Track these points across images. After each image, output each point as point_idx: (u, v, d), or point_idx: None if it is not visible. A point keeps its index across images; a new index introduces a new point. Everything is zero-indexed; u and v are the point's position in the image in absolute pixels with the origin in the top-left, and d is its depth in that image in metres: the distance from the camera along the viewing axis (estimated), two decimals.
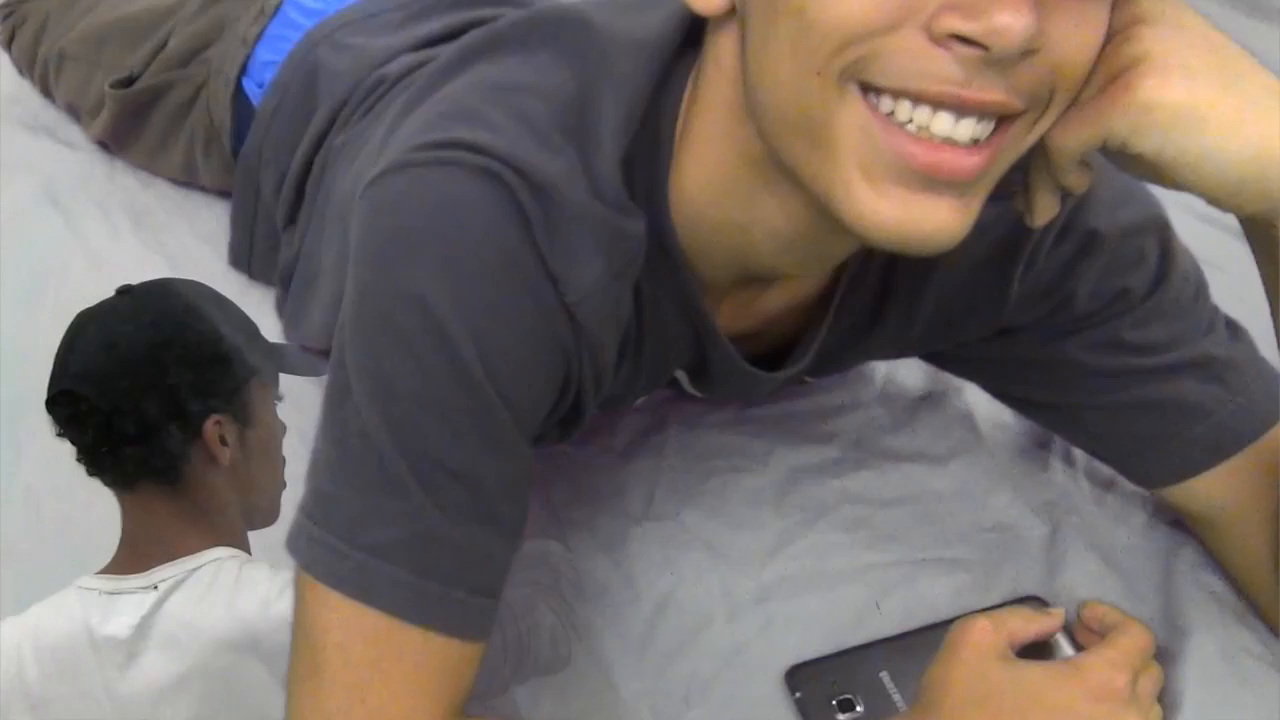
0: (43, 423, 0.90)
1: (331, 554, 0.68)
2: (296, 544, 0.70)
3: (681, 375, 0.89)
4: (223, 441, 0.91)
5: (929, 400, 1.07)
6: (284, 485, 1.00)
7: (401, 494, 0.67)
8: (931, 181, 0.58)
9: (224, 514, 0.93)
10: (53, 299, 1.27)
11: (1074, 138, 0.62)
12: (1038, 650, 0.80)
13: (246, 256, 1.26)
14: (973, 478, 1.00)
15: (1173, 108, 0.59)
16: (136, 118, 1.37)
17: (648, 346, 0.81)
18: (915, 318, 0.85)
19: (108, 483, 0.91)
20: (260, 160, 1.20)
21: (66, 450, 0.89)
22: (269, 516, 0.99)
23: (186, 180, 1.40)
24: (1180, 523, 0.93)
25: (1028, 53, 0.55)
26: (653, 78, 0.71)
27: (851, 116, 0.58)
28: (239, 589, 0.86)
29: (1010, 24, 0.52)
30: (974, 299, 0.83)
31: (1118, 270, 0.81)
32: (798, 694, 0.84)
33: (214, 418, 0.91)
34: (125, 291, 0.93)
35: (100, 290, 0.93)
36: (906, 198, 0.59)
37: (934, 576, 0.91)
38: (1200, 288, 0.83)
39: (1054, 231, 0.79)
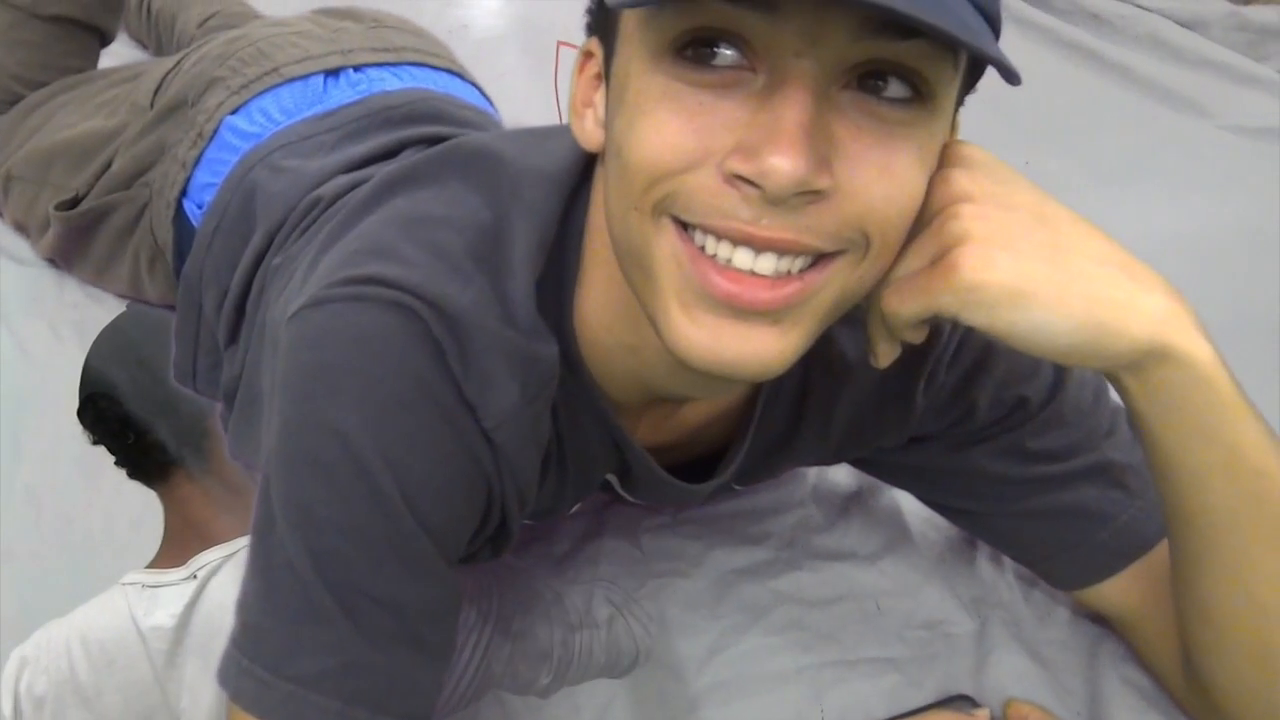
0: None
1: (259, 685, 0.69)
2: (226, 675, 0.71)
3: (613, 479, 0.91)
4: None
5: (859, 498, 1.09)
6: None
7: (327, 623, 0.68)
8: (738, 311, 0.60)
9: None
10: None
11: (906, 308, 0.65)
12: None
13: (191, 372, 1.27)
14: (903, 574, 1.02)
15: (997, 287, 0.62)
16: (82, 237, 1.39)
17: (570, 460, 0.83)
18: (830, 429, 0.87)
19: (145, 479, 0.92)
20: (201, 280, 1.21)
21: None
22: None
23: (134, 295, 1.42)
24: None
25: (810, 194, 0.57)
26: (559, 205, 0.74)
27: (666, 248, 0.61)
28: None
29: (778, 166, 0.55)
30: (883, 411, 0.86)
31: (1014, 381, 0.84)
32: None
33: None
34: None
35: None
36: (716, 325, 0.61)
37: (868, 677, 0.93)
38: (1099, 390, 0.86)
39: (951, 347, 0.82)
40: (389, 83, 1.26)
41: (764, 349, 0.61)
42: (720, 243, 0.59)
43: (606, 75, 0.66)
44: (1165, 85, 1.78)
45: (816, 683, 0.93)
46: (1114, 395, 0.85)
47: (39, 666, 0.86)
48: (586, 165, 0.75)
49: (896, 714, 0.88)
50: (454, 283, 0.70)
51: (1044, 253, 0.63)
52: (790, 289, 0.60)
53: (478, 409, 0.71)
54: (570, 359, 0.76)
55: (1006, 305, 0.63)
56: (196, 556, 0.89)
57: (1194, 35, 1.89)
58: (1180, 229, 1.24)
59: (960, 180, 0.64)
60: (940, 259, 0.63)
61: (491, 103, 1.36)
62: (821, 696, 0.91)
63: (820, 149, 0.56)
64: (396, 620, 0.70)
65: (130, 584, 0.89)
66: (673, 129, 0.58)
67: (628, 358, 0.75)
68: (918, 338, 0.68)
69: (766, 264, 0.59)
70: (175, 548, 0.92)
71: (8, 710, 0.85)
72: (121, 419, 0.91)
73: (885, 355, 0.70)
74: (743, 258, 0.59)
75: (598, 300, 0.74)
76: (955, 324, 0.81)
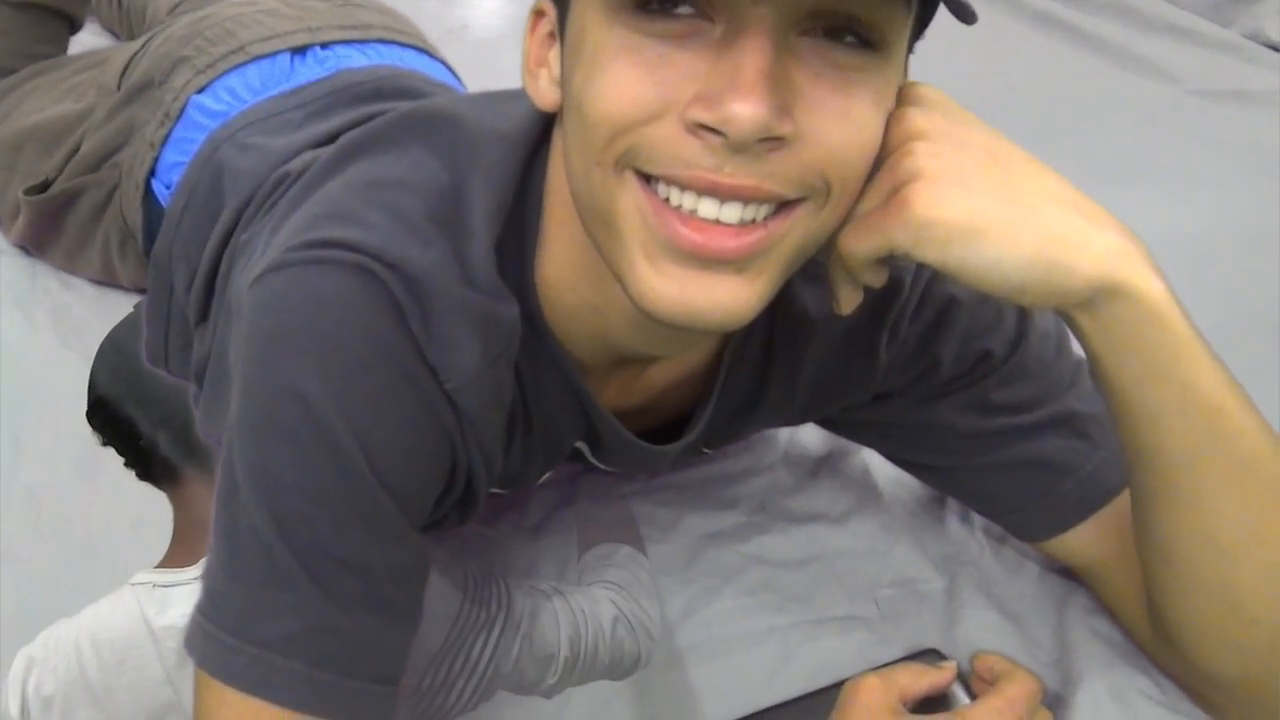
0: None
1: (225, 650, 0.69)
2: (192, 642, 0.71)
3: (583, 447, 0.91)
4: None
5: (829, 461, 1.10)
6: None
7: (291, 587, 0.68)
8: (704, 260, 0.61)
9: None
10: None
11: (861, 245, 0.65)
12: (936, 703, 0.82)
13: (163, 353, 1.27)
14: (873, 534, 1.02)
15: (949, 223, 0.63)
16: (53, 222, 1.39)
17: (537, 425, 0.83)
18: (796, 387, 0.87)
19: (155, 480, 0.92)
20: (171, 259, 1.21)
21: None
22: None
23: (106, 279, 1.42)
24: None
25: (773, 140, 0.58)
26: (518, 166, 0.75)
27: (630, 202, 0.62)
28: None
29: (740, 112, 0.56)
30: (848, 367, 0.86)
31: (978, 334, 0.84)
32: None
33: None
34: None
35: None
36: (682, 276, 0.62)
37: (838, 635, 0.93)
38: (1061, 342, 0.86)
39: (914, 300, 0.83)
40: (356, 60, 1.26)
41: (730, 298, 0.62)
42: (685, 193, 0.60)
43: (561, 33, 0.66)
44: (1132, 51, 1.79)
45: (787, 642, 0.93)
46: (1076, 348, 0.86)
47: (47, 666, 0.86)
48: (545, 126, 0.75)
49: (866, 669, 0.88)
50: (414, 245, 0.71)
51: (997, 189, 0.64)
52: (755, 237, 0.61)
53: (439, 371, 0.71)
54: (533, 320, 0.76)
55: (959, 241, 0.63)
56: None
57: (1159, 1, 1.90)
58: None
59: (915, 118, 0.64)
60: (893, 195, 0.64)
61: (460, 80, 1.36)
62: (791, 656, 0.92)
63: (781, 95, 0.57)
64: (362, 583, 0.70)
65: (140, 584, 0.90)
66: (633, 81, 0.59)
67: (591, 317, 0.75)
68: (877, 280, 0.69)
69: (731, 213, 0.60)
70: (185, 547, 0.92)
71: (15, 711, 0.85)
72: (131, 421, 0.91)
73: (848, 301, 0.71)
74: (707, 207, 0.60)
75: (560, 260, 0.75)
76: (916, 277, 0.83)
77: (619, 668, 0.90)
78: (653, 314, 0.63)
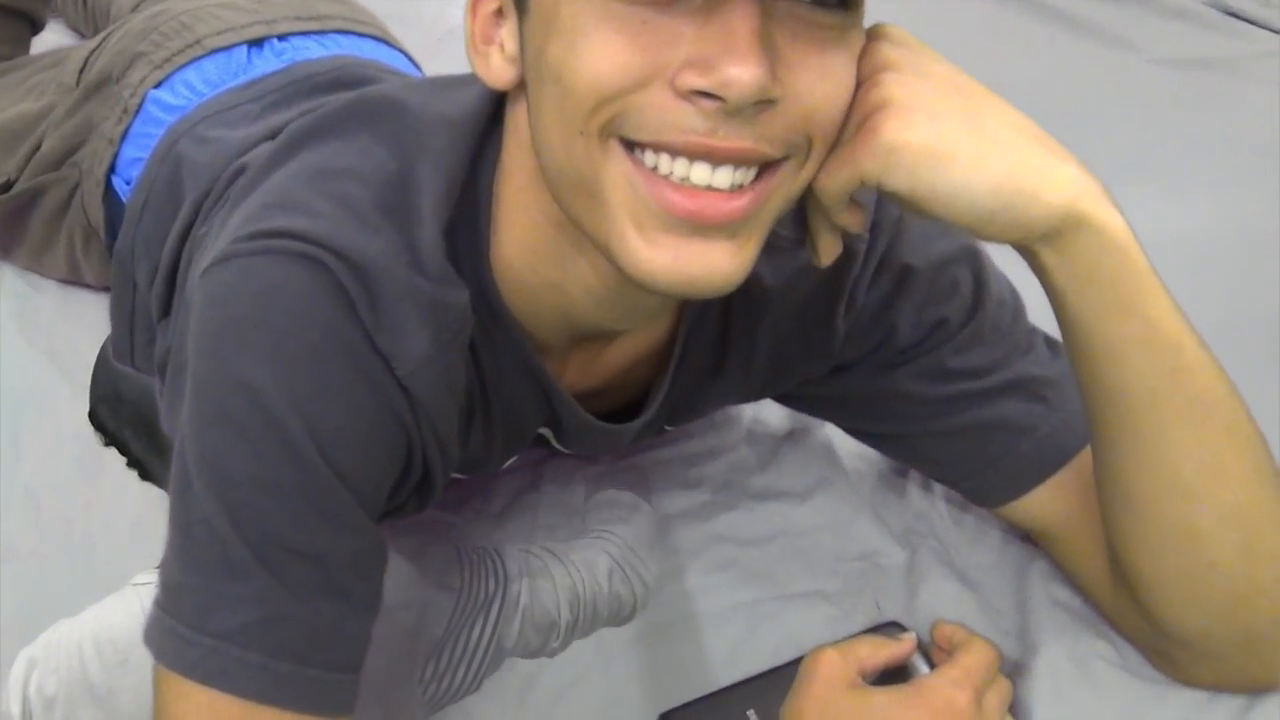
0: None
1: (182, 642, 0.69)
2: (150, 636, 0.71)
3: (548, 433, 0.92)
4: None
5: (792, 438, 1.10)
6: None
7: (246, 578, 0.68)
8: (698, 227, 0.62)
9: None
10: None
11: (834, 180, 0.66)
12: (898, 674, 0.83)
13: (129, 350, 1.27)
14: (836, 510, 1.03)
15: (918, 148, 0.64)
16: (16, 222, 1.38)
17: (496, 409, 0.83)
18: (754, 362, 0.88)
19: (157, 481, 0.92)
20: (134, 255, 1.21)
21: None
22: None
23: (72, 279, 1.41)
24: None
25: (765, 102, 0.59)
26: (467, 151, 0.75)
27: (617, 172, 0.62)
28: None
29: (739, 75, 0.56)
30: (806, 340, 0.86)
31: (934, 301, 0.84)
32: None
33: None
34: None
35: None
36: (676, 244, 0.62)
37: (801, 610, 0.94)
38: (1017, 310, 0.87)
39: (870, 269, 0.83)
40: (314, 51, 1.26)
41: (725, 263, 0.63)
42: (675, 160, 0.61)
43: (520, 7, 0.66)
44: (1093, 20, 1.78)
45: (751, 619, 0.94)
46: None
47: (49, 667, 0.86)
48: (495, 109, 0.75)
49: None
50: (362, 233, 0.71)
51: (963, 117, 0.66)
52: (746, 199, 0.62)
53: (390, 358, 0.71)
54: (491, 304, 0.77)
55: (927, 166, 0.65)
56: None
57: None
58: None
59: (881, 51, 0.66)
60: (862, 125, 0.65)
61: (420, 69, 1.36)
62: (756, 632, 0.92)
63: (770, 57, 0.57)
64: (318, 572, 0.70)
65: (143, 584, 0.89)
66: (618, 48, 0.59)
67: (553, 295, 0.76)
68: (854, 223, 0.70)
69: (723, 177, 0.61)
70: None
71: (16, 711, 0.85)
72: (133, 421, 0.91)
73: (828, 250, 0.72)
74: (700, 173, 0.61)
75: (517, 242, 0.75)
76: (871, 247, 0.83)
77: (617, 617, 0.92)
78: (645, 283, 0.64)
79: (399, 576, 0.91)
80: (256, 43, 1.25)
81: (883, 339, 0.86)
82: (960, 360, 0.86)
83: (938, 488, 1.02)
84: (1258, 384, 0.74)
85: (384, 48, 1.33)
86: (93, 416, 1.02)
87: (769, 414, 1.12)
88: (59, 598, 0.92)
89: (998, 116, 0.67)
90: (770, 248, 0.80)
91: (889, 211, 0.83)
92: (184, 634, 0.69)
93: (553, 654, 0.91)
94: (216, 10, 1.29)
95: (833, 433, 1.08)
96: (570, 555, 0.92)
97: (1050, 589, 0.92)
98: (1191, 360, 0.71)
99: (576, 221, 0.67)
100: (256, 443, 0.68)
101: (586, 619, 0.91)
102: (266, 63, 1.23)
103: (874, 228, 0.83)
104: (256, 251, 0.70)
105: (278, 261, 0.69)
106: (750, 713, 0.85)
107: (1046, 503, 0.88)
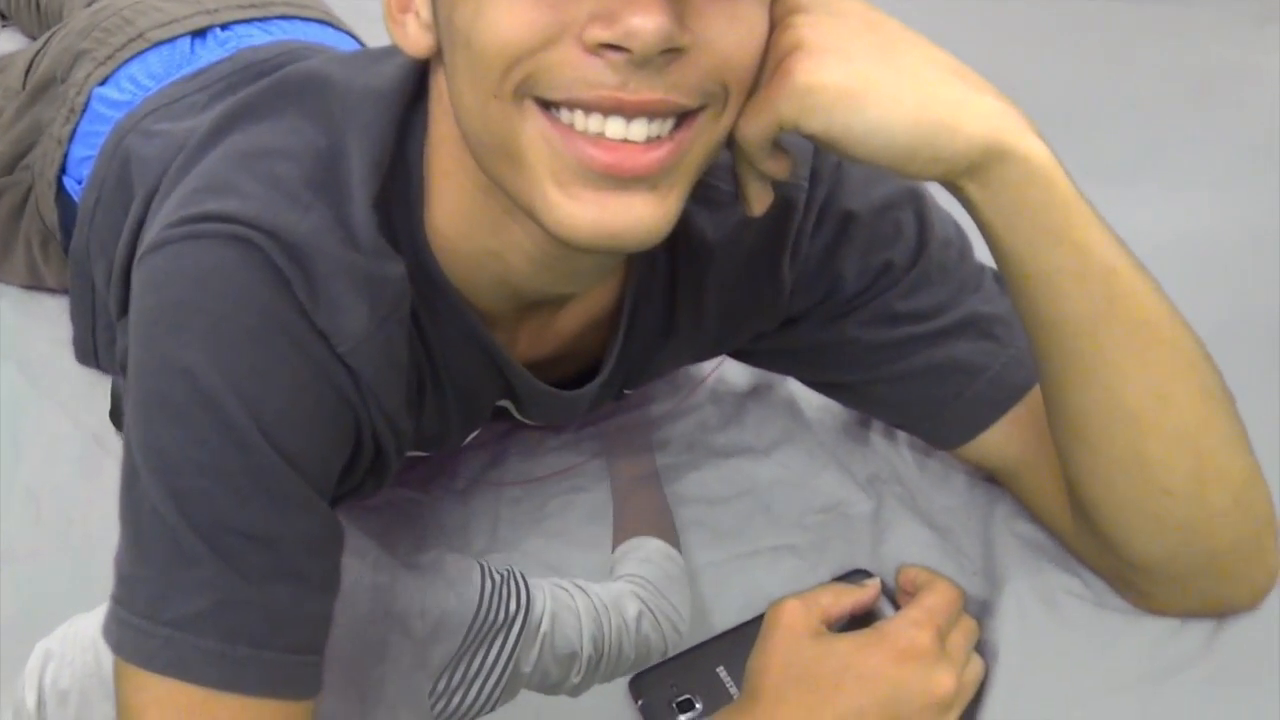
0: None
1: (137, 634, 0.69)
2: (108, 630, 0.71)
3: (509, 405, 0.91)
4: None
5: (755, 394, 1.10)
6: None
7: (197, 565, 0.68)
8: (618, 180, 0.62)
9: None
10: None
11: (752, 127, 0.66)
12: (866, 621, 0.83)
13: (92, 350, 1.26)
14: (800, 463, 1.03)
15: (831, 88, 0.64)
16: None
17: (447, 383, 0.83)
18: (704, 318, 0.87)
19: None
20: (89, 255, 1.21)
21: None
22: None
23: (34, 283, 1.41)
24: None
25: (674, 51, 0.58)
26: (394, 123, 0.74)
27: (534, 132, 0.62)
28: None
29: (642, 25, 0.56)
30: (754, 293, 0.86)
31: (878, 246, 0.84)
32: (640, 702, 0.86)
33: None
34: None
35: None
36: (598, 199, 0.62)
37: (769, 566, 0.94)
38: (963, 248, 0.87)
39: (812, 218, 0.83)
40: (257, 38, 1.25)
41: (648, 215, 0.63)
42: (590, 116, 0.61)
43: None
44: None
45: (719, 578, 0.94)
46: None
47: (64, 660, 0.86)
48: (421, 78, 0.75)
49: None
50: (293, 211, 0.71)
51: (876, 55, 0.65)
52: (664, 150, 0.62)
53: (330, 335, 0.71)
54: (430, 275, 0.76)
55: (842, 107, 0.64)
56: None
57: None
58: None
59: None
60: (776, 69, 0.64)
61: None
62: (724, 590, 0.92)
63: (677, 5, 0.57)
64: (270, 554, 0.70)
65: None
66: (524, 7, 0.59)
67: (492, 263, 0.75)
68: (779, 169, 0.69)
69: (639, 130, 0.61)
70: None
71: (31, 704, 0.85)
72: None
73: (758, 199, 0.72)
74: (615, 127, 0.60)
75: (450, 210, 0.74)
76: (811, 196, 0.82)
77: (646, 661, 0.90)
78: (570, 240, 0.63)
79: (365, 557, 0.91)
80: (200, 33, 1.24)
81: (830, 288, 0.86)
82: (908, 303, 0.85)
83: (901, 434, 1.01)
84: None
85: (330, 30, 1.33)
86: (113, 415, 1.02)
87: (732, 374, 1.12)
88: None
89: (913, 52, 0.66)
90: (710, 201, 0.80)
91: (828, 159, 0.83)
92: (139, 625, 0.69)
93: (573, 692, 0.90)
94: (158, 3, 1.28)
95: (795, 387, 1.08)
96: (599, 592, 0.91)
97: (1015, 527, 0.91)
98: (1128, 286, 0.70)
99: (500, 185, 0.67)
100: (198, 428, 0.68)
101: (611, 659, 0.90)
102: (210, 52, 1.23)
103: (813, 176, 0.82)
104: (188, 236, 0.70)
105: (210, 245, 0.69)
106: (720, 669, 0.86)
107: (1003, 440, 0.87)
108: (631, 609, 0.90)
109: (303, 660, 0.72)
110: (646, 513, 1.00)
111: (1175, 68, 1.66)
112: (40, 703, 0.85)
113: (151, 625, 0.69)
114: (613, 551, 0.99)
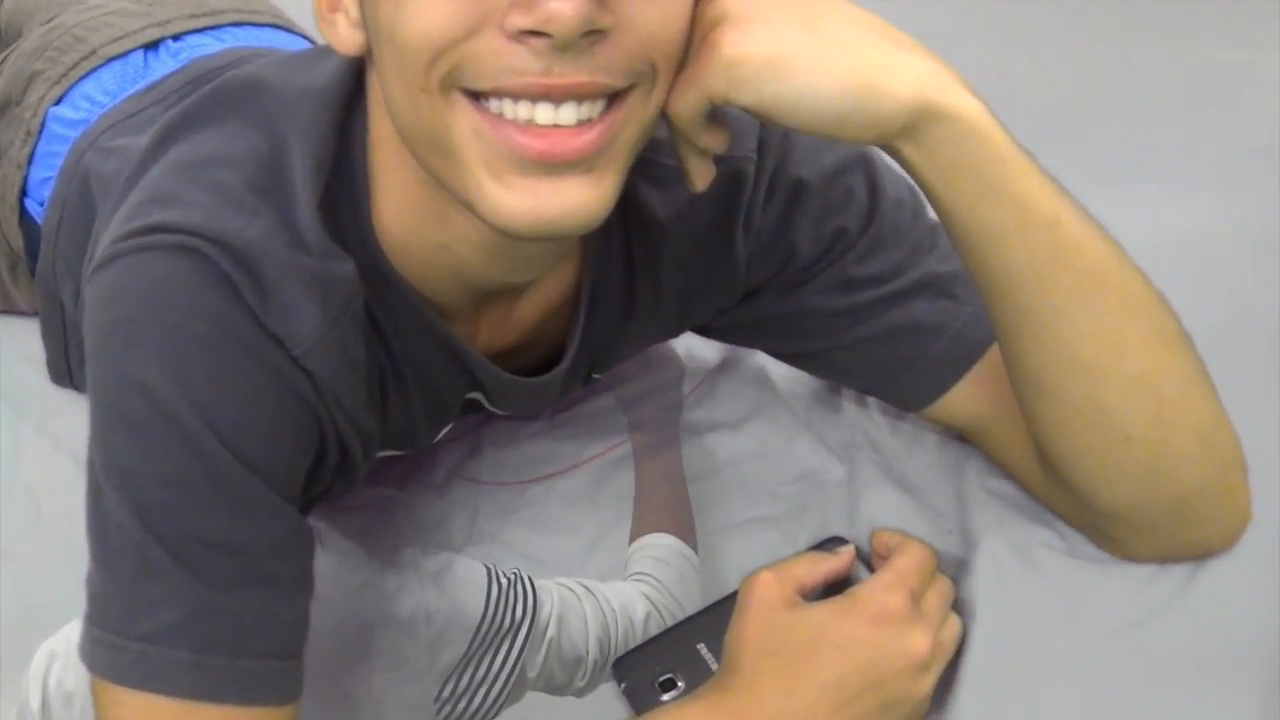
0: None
1: (111, 650, 0.69)
2: (83, 649, 0.71)
3: (479, 397, 0.91)
4: None
5: (725, 368, 1.10)
6: None
7: (165, 577, 0.68)
8: (551, 166, 0.62)
9: None
10: None
11: (684, 102, 0.66)
12: (843, 588, 0.83)
13: (66, 370, 1.26)
14: (773, 434, 1.03)
15: (758, 59, 0.64)
16: None
17: (410, 379, 0.83)
18: (663, 297, 0.87)
19: None
20: (56, 275, 1.21)
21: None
22: None
23: (6, 307, 1.41)
24: None
25: (596, 33, 0.58)
26: (334, 122, 0.74)
27: (464, 123, 0.62)
28: None
29: (561, 9, 0.56)
30: (711, 268, 0.86)
31: (830, 213, 0.84)
32: (624, 684, 0.86)
33: None
34: None
35: None
36: (533, 186, 0.62)
37: (746, 540, 0.94)
38: (916, 209, 0.86)
39: (763, 189, 0.83)
40: (210, 47, 1.24)
41: (584, 199, 0.63)
42: (518, 104, 0.61)
43: None
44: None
45: (699, 554, 0.94)
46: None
47: (69, 661, 0.86)
48: (358, 75, 0.75)
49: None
50: (238, 217, 0.71)
51: (800, 22, 0.65)
52: (595, 132, 0.62)
53: (284, 339, 0.71)
54: (382, 272, 0.76)
55: (768, 77, 0.64)
56: None
57: None
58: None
59: None
60: (703, 43, 0.65)
61: None
62: (702, 566, 0.92)
63: None
64: (238, 562, 0.70)
65: None
66: None
67: (442, 256, 0.75)
68: (716, 142, 0.69)
69: (568, 114, 0.61)
70: None
71: (35, 705, 0.85)
72: None
73: (700, 175, 0.72)
74: (544, 112, 0.61)
75: (397, 206, 0.75)
76: (760, 168, 0.82)
77: None
78: (508, 230, 0.64)
79: (342, 558, 0.91)
80: (152, 46, 1.24)
81: (786, 257, 0.86)
82: (864, 268, 0.85)
83: (872, 400, 1.02)
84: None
85: (283, 34, 1.32)
86: None
87: (703, 350, 1.12)
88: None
89: (839, 17, 0.66)
90: (658, 179, 0.80)
91: (774, 130, 0.83)
92: (112, 641, 0.69)
93: (579, 693, 0.90)
94: (108, 18, 1.27)
95: (765, 359, 1.08)
96: (607, 594, 0.91)
97: (987, 483, 0.91)
98: (1072, 236, 0.70)
99: (437, 178, 0.67)
100: (156, 440, 0.68)
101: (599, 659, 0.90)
102: (164, 65, 1.22)
103: (761, 146, 0.82)
104: (135, 249, 0.70)
105: (157, 257, 0.69)
106: (700, 646, 0.85)
107: (969, 398, 0.87)
108: (640, 611, 0.90)
109: (279, 665, 0.72)
110: (667, 508, 1.00)
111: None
112: (45, 704, 0.86)
113: (123, 640, 0.69)
114: (629, 545, 0.99)
